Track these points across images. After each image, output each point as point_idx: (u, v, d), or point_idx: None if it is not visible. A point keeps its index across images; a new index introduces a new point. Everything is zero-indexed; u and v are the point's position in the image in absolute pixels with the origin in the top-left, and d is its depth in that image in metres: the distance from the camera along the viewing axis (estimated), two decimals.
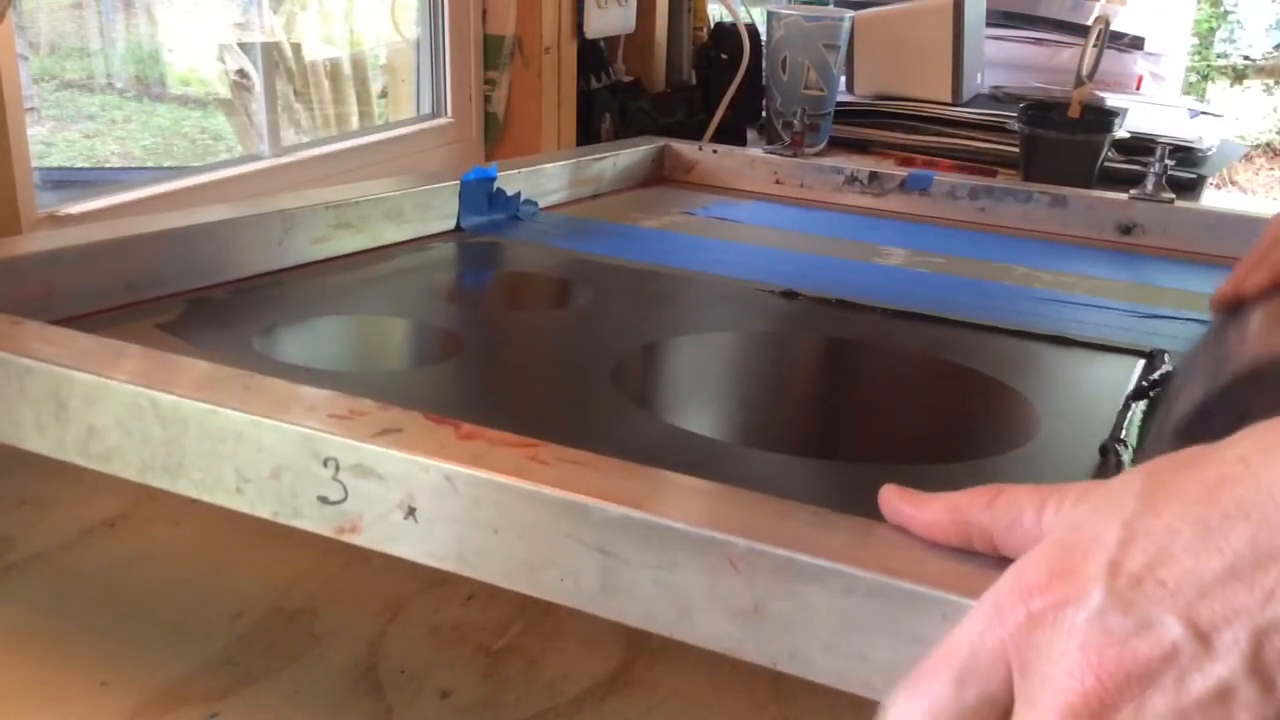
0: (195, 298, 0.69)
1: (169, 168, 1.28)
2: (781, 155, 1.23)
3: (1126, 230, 1.10)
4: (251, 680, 0.46)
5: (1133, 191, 1.12)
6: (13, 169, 0.82)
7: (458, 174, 0.93)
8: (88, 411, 0.44)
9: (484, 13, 1.33)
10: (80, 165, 1.38)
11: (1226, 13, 4.74)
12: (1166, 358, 0.70)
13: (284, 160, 1.13)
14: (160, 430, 0.43)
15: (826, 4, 1.65)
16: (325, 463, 0.40)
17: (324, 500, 0.40)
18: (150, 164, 1.58)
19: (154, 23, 1.42)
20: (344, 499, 0.40)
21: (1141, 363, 0.70)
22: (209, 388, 0.43)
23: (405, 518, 0.39)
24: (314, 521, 0.41)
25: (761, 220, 1.08)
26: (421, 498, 0.39)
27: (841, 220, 1.12)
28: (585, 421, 0.56)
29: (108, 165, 1.45)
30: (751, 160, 1.22)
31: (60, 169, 1.29)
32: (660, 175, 1.24)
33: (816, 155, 1.40)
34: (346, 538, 0.40)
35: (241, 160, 1.12)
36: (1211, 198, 1.49)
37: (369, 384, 0.57)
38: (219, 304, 0.69)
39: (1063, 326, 0.78)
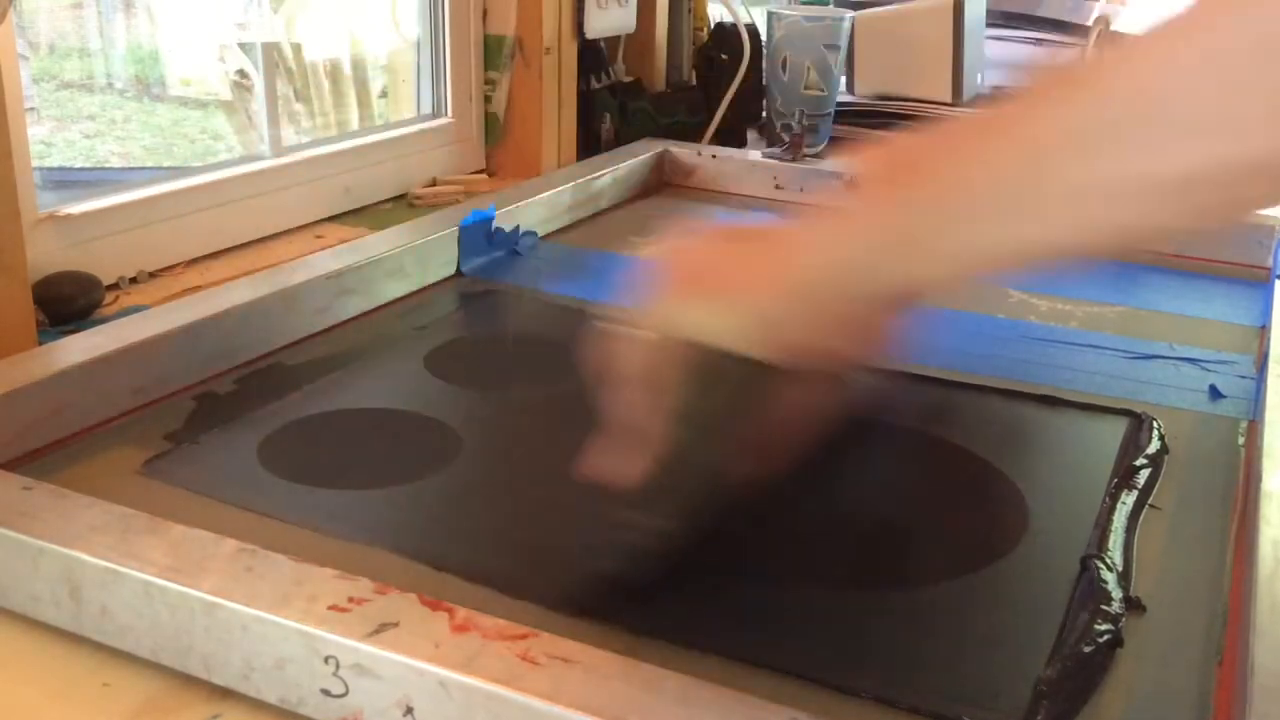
0: (201, 393, 0.70)
1: (169, 168, 1.28)
2: (781, 158, 1.23)
3: None
4: None
5: None
6: (13, 169, 0.82)
7: (457, 174, 0.94)
8: (100, 594, 0.46)
9: (484, 13, 1.33)
10: (80, 165, 1.38)
11: None
12: (1144, 423, 0.71)
13: (284, 160, 1.13)
14: (170, 617, 0.44)
15: (826, 4, 1.64)
16: (326, 660, 0.41)
17: (327, 693, 0.42)
18: (150, 164, 1.58)
19: (154, 23, 1.42)
20: (345, 694, 0.41)
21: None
22: (215, 571, 0.45)
23: (404, 715, 0.41)
24: (318, 711, 0.42)
25: None
26: (419, 699, 0.40)
27: None
28: (586, 553, 0.56)
29: (108, 165, 1.45)
30: (751, 165, 1.23)
31: (60, 169, 1.29)
32: (660, 181, 1.24)
33: (816, 156, 1.39)
34: None
35: (241, 160, 1.12)
36: None
37: (368, 513, 0.59)
38: (223, 399, 0.70)
39: (1055, 377, 0.79)
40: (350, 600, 0.43)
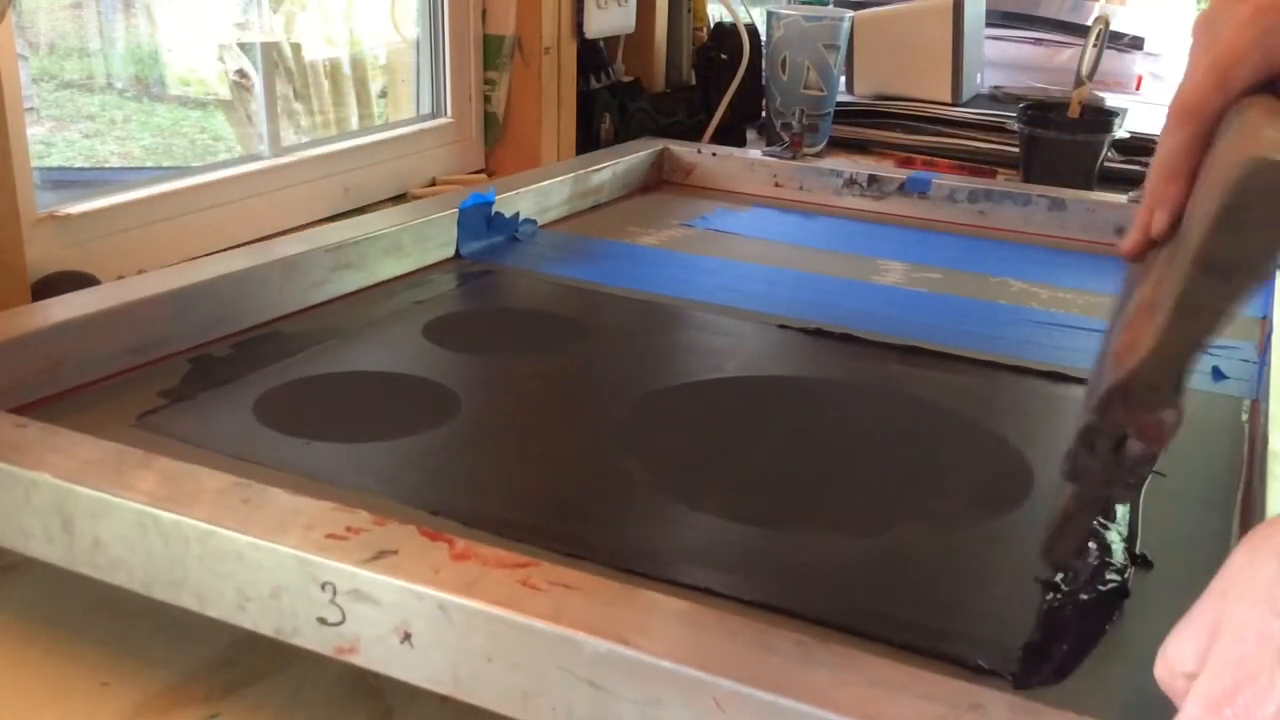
0: (197, 355, 0.70)
1: (169, 168, 1.28)
2: (780, 158, 1.23)
3: (1125, 233, 1.09)
4: (251, 680, 0.46)
5: (1131, 194, 1.12)
6: (12, 169, 0.82)
7: (456, 174, 0.93)
8: (93, 525, 0.45)
9: (484, 13, 1.33)
10: (80, 165, 1.38)
11: None
12: None
13: (284, 160, 1.13)
14: (163, 547, 0.44)
15: (826, 4, 1.65)
16: (323, 586, 0.41)
17: (323, 621, 0.41)
18: (150, 164, 1.58)
19: (154, 23, 1.42)
20: (342, 621, 0.41)
21: None
22: (209, 502, 0.44)
23: (402, 642, 0.40)
24: (314, 641, 0.42)
25: (760, 232, 1.09)
26: (417, 624, 0.40)
27: (840, 228, 1.12)
28: (586, 503, 0.57)
29: (107, 165, 1.45)
30: (750, 163, 1.22)
31: (60, 169, 1.29)
32: (659, 179, 1.24)
33: (816, 156, 1.39)
34: (345, 658, 0.41)
35: (241, 160, 1.12)
36: None
37: (365, 464, 0.58)
38: (219, 362, 0.69)
39: (1057, 356, 0.79)
40: (348, 530, 0.42)
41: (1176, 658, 0.35)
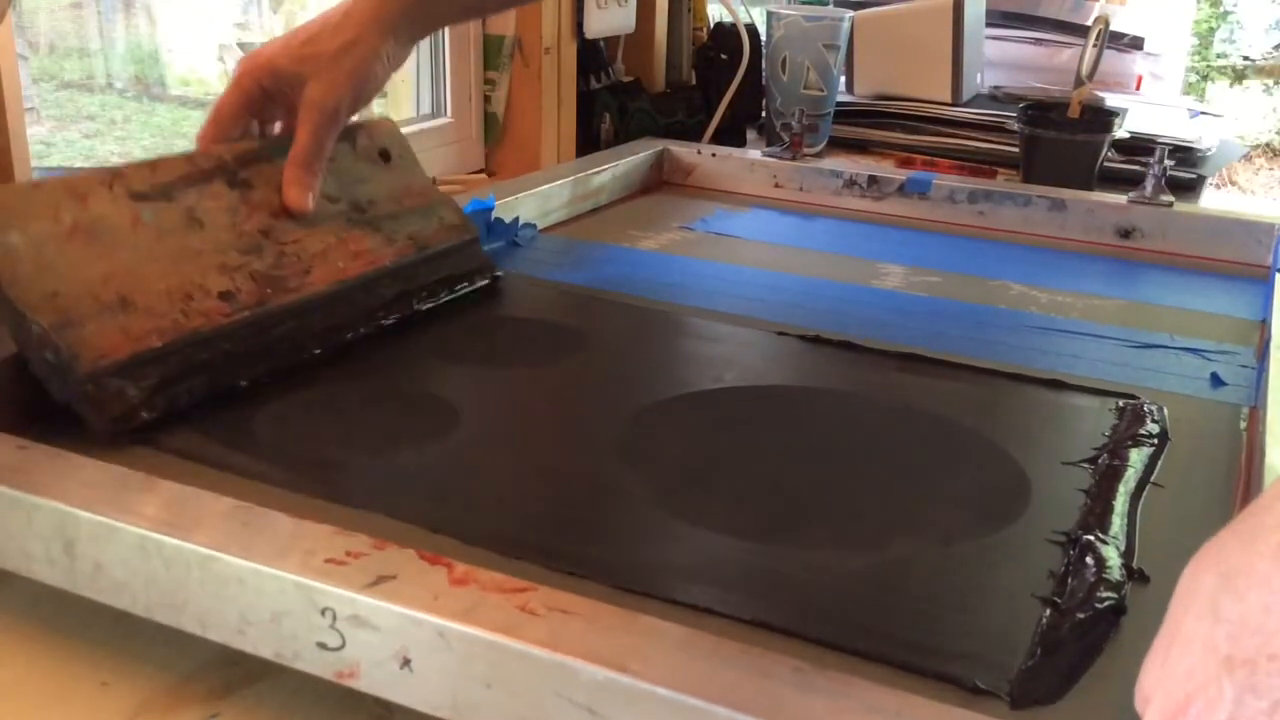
0: None
1: None
2: (780, 158, 1.23)
3: (1125, 234, 1.10)
4: (251, 680, 0.46)
5: (1131, 195, 1.12)
6: (13, 169, 0.82)
7: (456, 173, 0.93)
8: (95, 549, 0.45)
9: None
10: (80, 165, 1.38)
11: (1226, 13, 4.74)
12: (1145, 406, 0.71)
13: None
14: (165, 572, 0.44)
15: (826, 4, 1.65)
16: (323, 612, 0.41)
17: (323, 646, 0.42)
18: None
19: (154, 23, 1.42)
20: (342, 646, 0.41)
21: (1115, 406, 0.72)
22: (211, 527, 0.44)
23: (401, 667, 0.40)
24: (314, 665, 0.42)
25: (760, 234, 1.09)
26: (416, 650, 0.40)
27: (840, 230, 1.12)
28: (584, 518, 0.57)
29: (108, 165, 1.44)
30: (750, 163, 1.22)
31: (60, 169, 1.29)
32: (660, 180, 1.24)
33: (816, 156, 1.40)
34: (346, 682, 0.42)
35: None
36: (1211, 198, 1.49)
37: (365, 480, 0.59)
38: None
39: (1057, 363, 0.79)
40: (348, 554, 0.42)
41: (1150, 687, 0.35)
